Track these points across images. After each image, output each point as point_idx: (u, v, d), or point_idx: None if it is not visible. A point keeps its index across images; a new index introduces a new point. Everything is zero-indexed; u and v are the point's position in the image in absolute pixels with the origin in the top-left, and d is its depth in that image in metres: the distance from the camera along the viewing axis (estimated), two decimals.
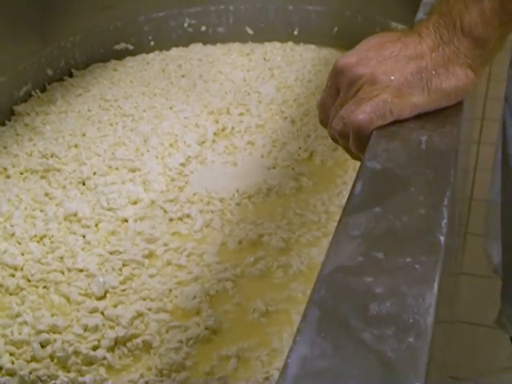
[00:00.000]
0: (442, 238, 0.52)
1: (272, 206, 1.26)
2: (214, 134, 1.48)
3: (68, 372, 0.95)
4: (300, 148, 1.43)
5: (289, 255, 1.12)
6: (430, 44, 0.69)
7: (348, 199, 0.61)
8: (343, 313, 0.49)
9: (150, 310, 1.02)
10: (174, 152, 1.40)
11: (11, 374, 0.95)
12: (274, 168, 1.36)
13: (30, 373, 0.94)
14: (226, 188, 1.30)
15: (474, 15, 0.67)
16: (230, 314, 1.01)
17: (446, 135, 0.64)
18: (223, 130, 1.50)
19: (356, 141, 0.70)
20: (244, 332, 0.99)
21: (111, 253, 1.13)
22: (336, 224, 1.13)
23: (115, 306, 1.03)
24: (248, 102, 1.59)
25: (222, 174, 1.35)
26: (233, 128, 1.50)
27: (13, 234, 1.19)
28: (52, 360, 0.96)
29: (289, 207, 1.25)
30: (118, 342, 0.99)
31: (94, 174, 1.34)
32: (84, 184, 1.32)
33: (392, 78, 0.68)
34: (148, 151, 1.40)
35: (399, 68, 0.69)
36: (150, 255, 1.14)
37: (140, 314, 1.01)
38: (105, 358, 0.96)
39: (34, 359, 0.96)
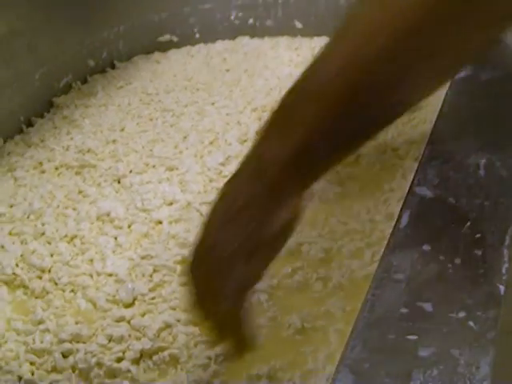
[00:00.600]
0: (502, 288, 0.44)
1: (314, 212, 1.19)
2: (256, 132, 1.41)
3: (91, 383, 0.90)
4: None
5: (329, 267, 1.05)
6: None
7: (392, 232, 0.54)
8: (381, 381, 0.42)
9: (178, 321, 0.96)
10: (214, 150, 1.34)
11: None
12: None
13: None
14: None
15: None
16: (263, 329, 0.95)
17: (508, 159, 0.57)
18: None
19: None
20: (277, 350, 0.92)
21: (142, 257, 1.08)
22: (380, 234, 1.08)
23: (143, 315, 0.98)
24: None
25: None
26: None
27: (43, 233, 1.15)
28: (74, 371, 0.92)
29: (332, 214, 1.18)
30: (143, 355, 0.93)
31: (130, 171, 1.29)
32: (119, 182, 1.27)
33: None
34: (187, 149, 1.35)
35: None
36: (183, 261, 1.09)
37: (168, 326, 0.96)
38: (129, 371, 0.91)
39: (54, 370, 0.92)
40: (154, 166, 1.30)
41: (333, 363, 0.88)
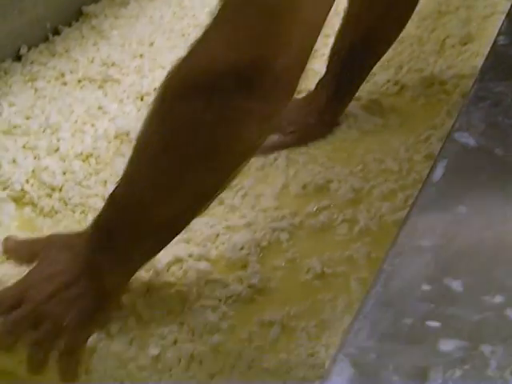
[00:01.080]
0: None
1: (349, 145, 1.11)
2: None
3: None
4: (389, 81, 1.26)
5: (357, 208, 0.97)
6: None
7: (422, 187, 0.45)
8: (387, 379, 0.34)
9: (190, 256, 0.90)
10: None
11: None
12: (357, 100, 1.20)
13: None
14: None
15: None
16: (279, 271, 0.89)
17: None
18: None
19: None
20: (293, 295, 0.86)
21: None
22: (417, 176, 0.99)
23: None
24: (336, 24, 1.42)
25: None
26: (316, 51, 1.33)
27: (57, 150, 1.08)
28: None
29: (369, 149, 1.09)
30: (150, 289, 0.87)
31: (155, 89, 1.21)
32: (142, 99, 1.20)
33: None
34: None
35: None
36: None
37: (179, 260, 0.89)
38: (134, 304, 0.85)
39: None
40: None
41: (351, 314, 0.81)
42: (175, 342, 0.81)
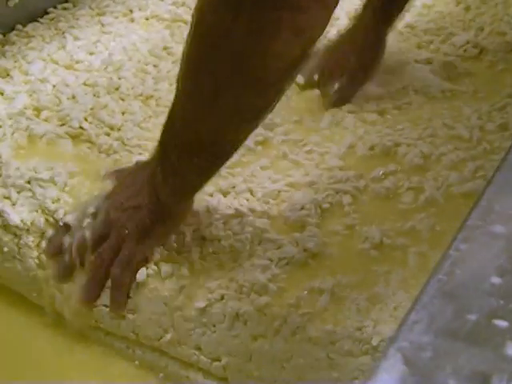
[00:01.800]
0: None
1: (418, 109, 1.05)
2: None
3: None
4: (468, 42, 1.19)
5: (424, 176, 0.92)
6: None
7: (501, 164, 0.40)
8: (443, 382, 0.30)
9: (251, 210, 0.87)
10: None
11: None
12: (429, 63, 1.14)
13: None
14: None
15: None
16: (337, 236, 0.85)
17: None
18: None
19: None
20: (347, 263, 0.82)
21: None
22: (488, 147, 0.93)
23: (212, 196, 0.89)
24: None
25: None
26: None
27: (117, 88, 1.05)
28: None
29: (438, 114, 1.03)
30: (205, 239, 0.85)
31: None
32: None
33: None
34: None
35: None
36: (265, 143, 0.98)
37: (239, 214, 0.87)
38: (190, 251, 0.84)
39: None
40: None
41: (405, 290, 0.77)
42: (222, 298, 0.79)
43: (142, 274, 0.81)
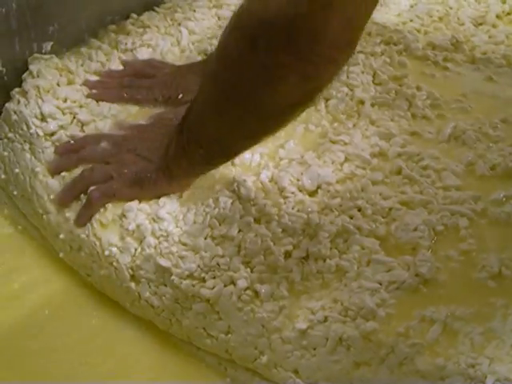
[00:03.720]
0: None
1: None
2: None
3: (251, 271, 0.81)
4: None
5: None
6: None
7: None
8: None
9: (359, 229, 0.83)
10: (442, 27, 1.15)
11: None
12: None
13: None
14: None
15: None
16: (451, 262, 0.80)
17: None
18: None
19: None
20: (461, 293, 0.78)
21: (333, 142, 0.94)
22: None
23: (322, 210, 0.86)
24: None
25: None
26: None
27: None
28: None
29: None
30: (308, 256, 0.82)
31: None
32: None
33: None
34: (411, 21, 1.16)
35: None
36: (381, 155, 0.94)
37: (345, 231, 0.83)
38: (290, 271, 0.81)
39: None
40: (369, 34, 1.12)
41: None
42: (325, 320, 0.77)
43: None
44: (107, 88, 1.02)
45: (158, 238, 0.84)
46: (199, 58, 1.08)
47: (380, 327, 0.74)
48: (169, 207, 0.87)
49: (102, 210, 0.88)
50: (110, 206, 0.88)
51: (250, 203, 0.86)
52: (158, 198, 0.87)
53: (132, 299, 0.86)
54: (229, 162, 0.89)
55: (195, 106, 0.81)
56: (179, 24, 1.15)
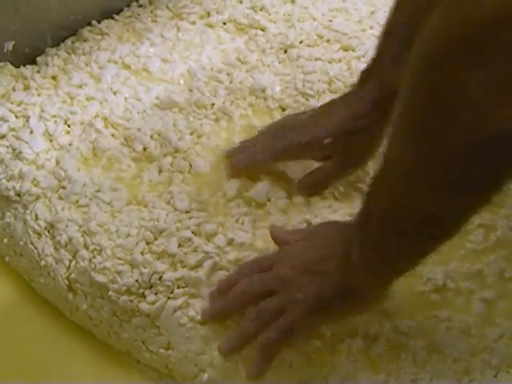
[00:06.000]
0: None
1: None
2: None
3: None
4: None
5: (497, 212, 0.86)
6: None
7: None
8: None
9: None
10: None
11: None
12: None
13: None
14: None
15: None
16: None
17: None
18: None
19: None
20: (406, 306, 0.78)
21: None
22: None
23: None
24: None
25: None
26: None
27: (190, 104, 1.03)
28: None
29: None
30: None
31: (301, 42, 1.13)
32: (286, 52, 1.12)
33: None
34: (372, 28, 1.15)
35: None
36: None
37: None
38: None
39: None
40: (328, 41, 1.13)
41: (467, 342, 0.73)
42: None
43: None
44: None
45: (91, 252, 0.83)
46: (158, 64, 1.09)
47: (323, 345, 0.74)
48: (100, 219, 0.85)
49: (34, 217, 0.87)
50: (39, 212, 0.87)
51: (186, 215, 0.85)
52: (346, 318, 0.75)
53: (70, 309, 0.86)
54: None
55: (384, 181, 0.64)
56: (139, 34, 1.16)
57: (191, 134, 0.97)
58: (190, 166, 0.93)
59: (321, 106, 0.92)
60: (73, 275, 0.84)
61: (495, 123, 0.52)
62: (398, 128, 0.60)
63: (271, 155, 0.89)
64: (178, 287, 0.79)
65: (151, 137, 0.96)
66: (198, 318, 0.77)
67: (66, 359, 0.85)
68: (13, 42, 1.08)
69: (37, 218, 0.87)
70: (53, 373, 0.83)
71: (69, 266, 0.84)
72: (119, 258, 0.81)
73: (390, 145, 0.62)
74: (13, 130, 0.97)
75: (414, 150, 0.58)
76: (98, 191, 0.88)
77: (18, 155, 0.94)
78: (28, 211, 0.88)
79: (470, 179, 0.56)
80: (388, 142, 0.63)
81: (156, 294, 0.79)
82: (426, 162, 0.58)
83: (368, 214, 0.67)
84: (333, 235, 0.75)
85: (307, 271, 0.72)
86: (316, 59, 1.09)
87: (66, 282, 0.85)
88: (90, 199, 0.87)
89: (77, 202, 0.88)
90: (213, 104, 1.02)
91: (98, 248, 0.82)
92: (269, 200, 0.88)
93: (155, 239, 0.82)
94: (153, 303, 0.78)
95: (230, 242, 0.82)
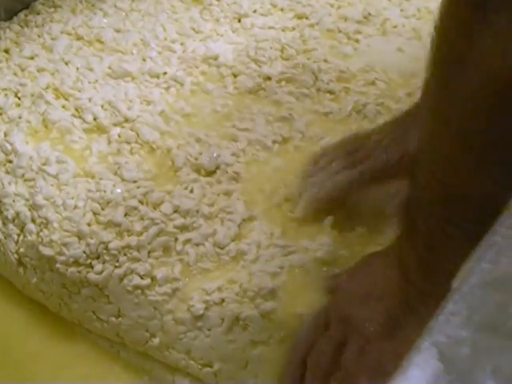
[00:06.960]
0: None
1: None
2: None
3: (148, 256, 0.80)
4: None
5: None
6: None
7: None
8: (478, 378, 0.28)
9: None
10: (356, 2, 1.14)
11: None
12: None
13: None
14: None
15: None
16: None
17: None
18: None
19: None
20: None
21: (241, 129, 0.93)
22: None
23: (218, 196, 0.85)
24: None
25: None
26: None
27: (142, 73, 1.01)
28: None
29: None
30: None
31: (255, 11, 1.13)
32: (239, 21, 1.11)
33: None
34: None
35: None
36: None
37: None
38: (186, 254, 0.79)
39: None
40: (282, 10, 1.13)
41: None
42: (222, 301, 0.76)
43: None
44: None
45: (39, 226, 0.82)
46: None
47: (281, 307, 0.74)
48: (46, 192, 0.84)
49: None
50: None
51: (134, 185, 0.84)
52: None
53: (23, 283, 0.86)
54: None
55: (423, 160, 0.62)
56: (93, 5, 1.15)
57: (141, 103, 0.96)
58: (138, 135, 0.91)
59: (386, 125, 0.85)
60: (21, 249, 0.83)
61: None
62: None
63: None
64: (124, 255, 0.78)
65: (102, 106, 0.95)
66: (144, 282, 0.77)
67: (25, 335, 0.85)
68: None
69: None
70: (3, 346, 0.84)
71: (17, 241, 0.84)
72: (66, 231, 0.81)
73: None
74: None
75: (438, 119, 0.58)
76: (45, 164, 0.87)
77: None
78: None
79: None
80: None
81: (103, 263, 0.78)
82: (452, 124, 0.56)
83: (411, 211, 0.65)
84: (374, 262, 0.73)
85: (363, 302, 0.70)
86: (269, 27, 1.09)
87: (16, 256, 0.84)
88: (37, 173, 0.87)
89: (23, 175, 0.87)
90: (165, 73, 1.01)
91: (44, 221, 0.82)
92: (218, 167, 0.88)
93: (102, 210, 0.81)
94: (100, 273, 0.78)
95: (177, 209, 0.81)
